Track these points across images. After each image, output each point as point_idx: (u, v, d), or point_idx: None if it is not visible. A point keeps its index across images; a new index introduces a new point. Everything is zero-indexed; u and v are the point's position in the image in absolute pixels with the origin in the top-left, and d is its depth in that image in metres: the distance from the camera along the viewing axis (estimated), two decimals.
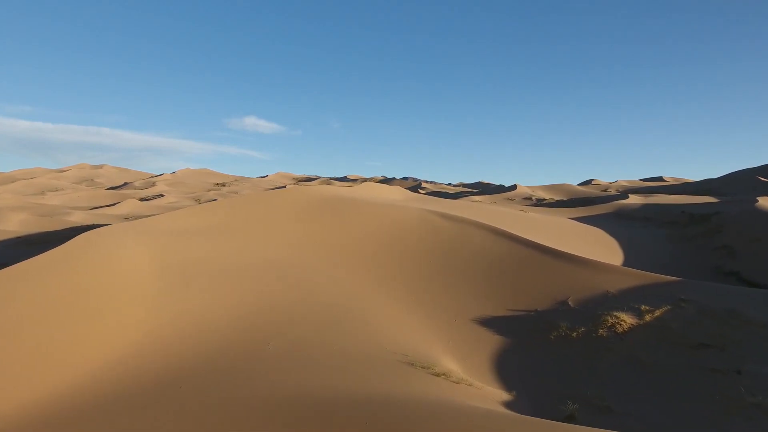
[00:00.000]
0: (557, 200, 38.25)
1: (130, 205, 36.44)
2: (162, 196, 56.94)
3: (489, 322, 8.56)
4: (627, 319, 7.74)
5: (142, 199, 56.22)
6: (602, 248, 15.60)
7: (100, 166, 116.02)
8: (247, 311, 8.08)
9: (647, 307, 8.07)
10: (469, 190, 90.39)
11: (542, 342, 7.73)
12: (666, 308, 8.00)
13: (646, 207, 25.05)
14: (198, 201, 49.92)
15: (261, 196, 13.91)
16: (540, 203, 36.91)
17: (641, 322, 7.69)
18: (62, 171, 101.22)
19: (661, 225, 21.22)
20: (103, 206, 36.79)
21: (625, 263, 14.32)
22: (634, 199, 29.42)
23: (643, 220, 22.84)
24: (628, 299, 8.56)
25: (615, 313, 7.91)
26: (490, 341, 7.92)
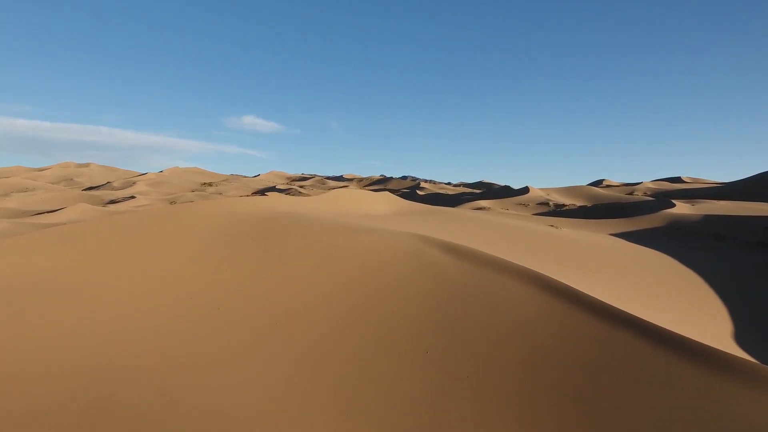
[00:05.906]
0: (580, 206, 32.69)
1: (78, 211, 31.06)
2: (133, 197, 51.67)
3: None
4: None
5: (111, 202, 50.94)
6: (701, 296, 10.13)
7: (86, 165, 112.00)
8: None
9: None
10: (471, 190, 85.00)
11: None
12: None
13: (708, 220, 19.54)
14: (173, 203, 44.56)
15: (148, 215, 8.49)
16: (560, 210, 31.42)
17: None
18: (42, 170, 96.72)
19: (741, 246, 15.75)
20: (44, 212, 31.41)
21: (740, 330, 8.88)
22: (681, 208, 23.90)
23: (710, 238, 17.36)
24: None
25: None
26: None
